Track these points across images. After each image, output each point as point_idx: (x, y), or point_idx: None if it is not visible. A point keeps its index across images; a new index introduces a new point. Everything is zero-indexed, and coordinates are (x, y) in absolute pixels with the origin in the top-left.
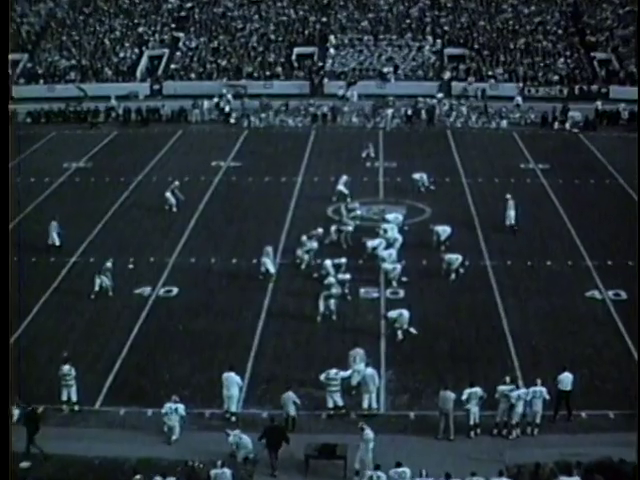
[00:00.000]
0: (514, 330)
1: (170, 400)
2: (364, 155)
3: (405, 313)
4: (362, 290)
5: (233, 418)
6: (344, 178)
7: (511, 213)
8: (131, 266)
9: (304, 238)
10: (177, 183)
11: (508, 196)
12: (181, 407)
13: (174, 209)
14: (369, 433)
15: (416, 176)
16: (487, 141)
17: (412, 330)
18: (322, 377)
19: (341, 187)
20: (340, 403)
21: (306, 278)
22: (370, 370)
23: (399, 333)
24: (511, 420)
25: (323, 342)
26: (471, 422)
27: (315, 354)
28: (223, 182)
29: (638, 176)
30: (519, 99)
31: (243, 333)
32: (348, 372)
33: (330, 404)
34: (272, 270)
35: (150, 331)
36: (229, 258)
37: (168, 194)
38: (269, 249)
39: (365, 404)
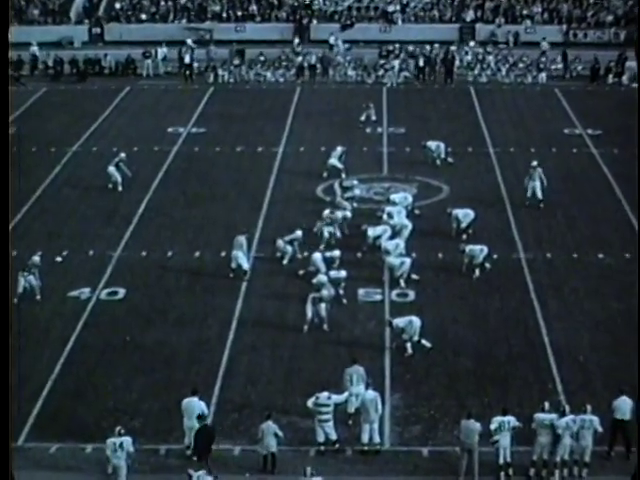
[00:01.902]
0: (557, 342)
1: (114, 433)
2: (363, 118)
3: (415, 321)
4: (361, 291)
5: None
6: (338, 150)
7: (535, 184)
8: (59, 259)
9: (326, 213)
10: (123, 155)
11: (534, 163)
12: (128, 441)
13: (119, 188)
14: None
15: (430, 145)
16: (521, 100)
17: (425, 343)
18: (310, 403)
19: (334, 161)
20: (333, 436)
21: (289, 276)
22: (371, 393)
23: (408, 346)
24: (553, 457)
25: (311, 358)
26: (501, 460)
27: (301, 373)
28: (183, 153)
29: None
30: (545, 44)
31: (209, 347)
32: (343, 396)
33: (320, 437)
34: (245, 266)
35: (89, 344)
36: (190, 251)
37: (111, 169)
38: (242, 239)
39: (365, 437)
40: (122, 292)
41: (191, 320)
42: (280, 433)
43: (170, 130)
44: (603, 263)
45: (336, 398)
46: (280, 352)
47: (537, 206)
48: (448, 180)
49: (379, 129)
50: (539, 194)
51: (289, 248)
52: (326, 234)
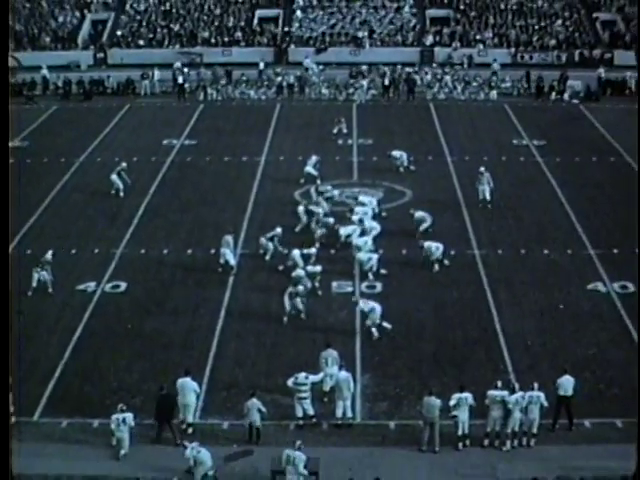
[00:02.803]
0: (507, 328)
1: (117, 410)
2: (335, 131)
3: (377, 308)
4: (334, 284)
5: (190, 429)
6: (313, 159)
7: (484, 187)
8: (50, 253)
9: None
10: (124, 164)
11: (482, 169)
12: (129, 417)
13: (121, 194)
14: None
15: (395, 154)
16: (475, 114)
17: (385, 324)
18: (290, 382)
19: (309, 169)
20: (310, 412)
21: (271, 270)
22: (344, 374)
23: (374, 331)
24: (505, 429)
25: (291, 343)
26: (459, 432)
27: (282, 356)
28: (176, 163)
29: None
30: (496, 65)
31: (200, 334)
32: (319, 376)
33: (299, 413)
34: (232, 262)
35: (95, 332)
36: (184, 248)
37: (114, 177)
38: (229, 238)
39: (339, 412)
40: (124, 285)
41: (185, 310)
42: (263, 409)
43: (165, 142)
44: (548, 258)
45: (313, 378)
46: (263, 338)
47: (486, 206)
48: (411, 185)
49: (349, 141)
50: (487, 196)
51: (270, 245)
52: (319, 233)
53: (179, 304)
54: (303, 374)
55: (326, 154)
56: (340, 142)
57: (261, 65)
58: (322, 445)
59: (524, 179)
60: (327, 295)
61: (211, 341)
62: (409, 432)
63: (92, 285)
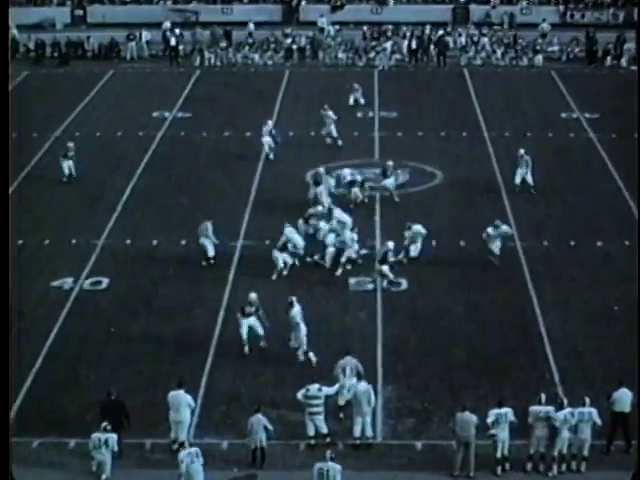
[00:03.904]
0: (553, 332)
1: (100, 429)
2: (351, 102)
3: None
4: (352, 280)
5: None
6: (269, 124)
7: (524, 171)
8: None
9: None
10: (71, 144)
11: (522, 151)
12: (113, 439)
13: (69, 178)
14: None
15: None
16: (517, 83)
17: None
18: (300, 395)
19: (267, 139)
20: (324, 430)
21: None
22: (363, 386)
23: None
24: (551, 451)
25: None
26: (498, 454)
27: (290, 365)
28: (168, 138)
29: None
30: (545, 26)
31: (195, 338)
32: (334, 388)
33: (311, 431)
34: (211, 252)
35: (72, 335)
36: (176, 239)
37: (63, 160)
38: (208, 225)
39: (357, 431)
40: (106, 281)
41: (177, 310)
42: (270, 427)
43: (155, 114)
44: (601, 251)
45: (327, 390)
46: (269, 344)
47: (529, 191)
48: (442, 166)
49: (370, 113)
50: (530, 180)
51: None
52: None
53: (171, 303)
54: (316, 386)
55: (343, 128)
56: (359, 115)
57: (250, 26)
58: None
59: (574, 158)
60: (344, 293)
61: (208, 347)
62: (439, 454)
63: (69, 281)
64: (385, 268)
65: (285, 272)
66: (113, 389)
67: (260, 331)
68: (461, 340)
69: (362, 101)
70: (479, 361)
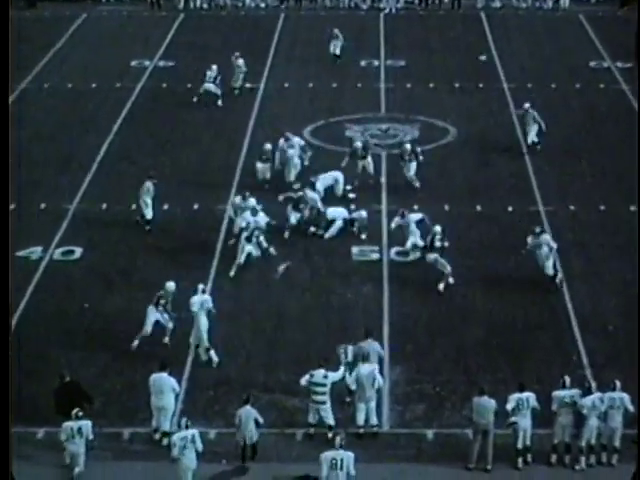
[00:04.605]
0: (581, 308)
1: (71, 416)
2: (333, 50)
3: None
4: (355, 249)
5: (165, 440)
6: (213, 69)
7: (531, 128)
8: None
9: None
10: None
11: (527, 105)
12: (87, 426)
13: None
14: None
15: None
16: (540, 28)
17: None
18: (304, 381)
19: (209, 85)
20: (330, 421)
21: (272, 231)
22: (367, 368)
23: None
24: (578, 441)
25: (297, 327)
26: (519, 444)
27: (286, 345)
28: (148, 90)
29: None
30: None
31: (179, 314)
32: (340, 372)
33: (312, 419)
34: (148, 215)
35: (41, 312)
36: (157, 203)
37: None
38: (149, 185)
39: (361, 418)
40: (79, 251)
41: (159, 283)
42: (261, 419)
43: (134, 64)
44: (634, 216)
45: (333, 376)
46: (262, 321)
47: (535, 149)
48: (456, 120)
49: (376, 62)
50: (535, 138)
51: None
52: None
53: (150, 275)
54: (321, 371)
55: (345, 80)
56: (363, 64)
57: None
58: None
59: (604, 113)
60: (346, 264)
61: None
62: (452, 444)
63: (37, 251)
64: (435, 257)
65: (286, 234)
66: (65, 370)
67: (169, 325)
68: (477, 317)
69: (338, 51)
70: (498, 340)
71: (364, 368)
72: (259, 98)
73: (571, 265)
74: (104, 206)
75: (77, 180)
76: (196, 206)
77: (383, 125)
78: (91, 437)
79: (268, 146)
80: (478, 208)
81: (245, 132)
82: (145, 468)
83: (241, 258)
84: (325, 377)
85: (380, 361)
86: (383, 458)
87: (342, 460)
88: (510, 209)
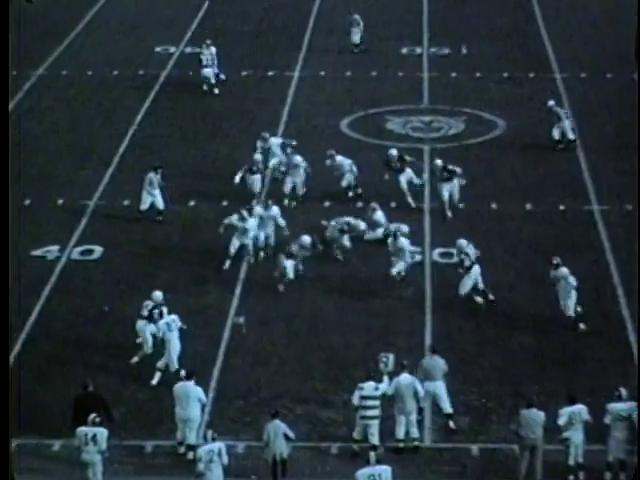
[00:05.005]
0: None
1: (87, 422)
2: (356, 40)
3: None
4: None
5: (190, 454)
6: (213, 48)
7: (564, 123)
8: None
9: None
10: None
11: (551, 103)
12: (102, 434)
13: None
14: None
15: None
16: (596, 12)
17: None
18: (356, 399)
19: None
20: (374, 440)
21: (304, 230)
22: (408, 377)
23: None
24: (634, 458)
25: (334, 331)
26: (571, 461)
27: (321, 350)
28: (174, 78)
29: None
30: None
31: (207, 318)
32: (386, 382)
33: (357, 435)
34: (143, 206)
35: (57, 316)
36: (184, 199)
37: None
38: (151, 176)
39: (400, 432)
40: (99, 251)
41: (185, 285)
42: (291, 434)
43: (158, 50)
44: None
45: (383, 387)
46: (296, 324)
47: (571, 144)
48: (504, 113)
49: (418, 49)
50: (570, 135)
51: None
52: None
53: (177, 276)
54: (371, 384)
55: (385, 69)
56: (404, 51)
57: None
58: None
59: None
60: (386, 265)
61: (222, 328)
62: (499, 460)
63: (54, 250)
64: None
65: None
66: (89, 379)
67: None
68: (526, 323)
69: (357, 39)
70: (547, 349)
71: (404, 378)
72: (293, 88)
73: (626, 268)
74: (126, 202)
75: (97, 174)
76: (225, 203)
77: (426, 117)
78: (104, 447)
79: (258, 157)
80: (528, 207)
81: (278, 124)
82: None
83: (291, 274)
84: (376, 389)
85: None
86: (424, 475)
87: (380, 476)
88: (562, 208)
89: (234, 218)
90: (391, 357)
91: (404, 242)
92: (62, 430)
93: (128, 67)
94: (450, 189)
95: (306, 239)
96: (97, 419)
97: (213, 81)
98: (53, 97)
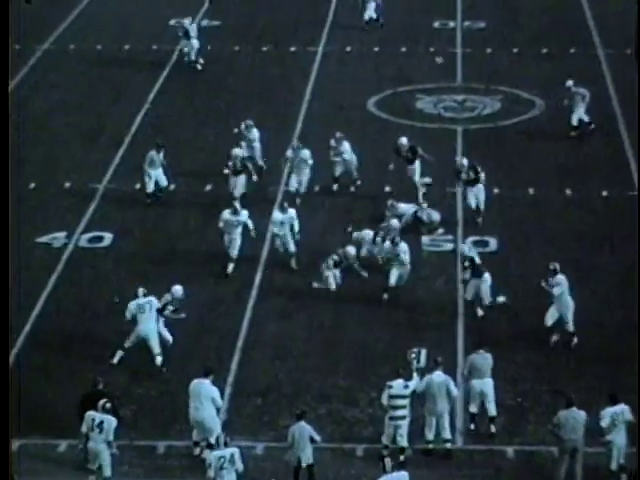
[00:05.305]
0: None
1: (98, 407)
2: (366, 18)
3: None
4: (425, 238)
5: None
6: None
7: (579, 108)
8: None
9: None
10: None
11: (570, 83)
12: (110, 422)
13: None
14: None
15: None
16: None
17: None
18: (385, 399)
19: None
20: (403, 442)
21: (328, 213)
22: (440, 376)
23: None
24: None
25: (359, 325)
26: (613, 465)
27: (345, 345)
28: (190, 54)
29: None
30: None
31: (224, 310)
32: (416, 380)
33: (386, 440)
34: (149, 189)
35: (64, 307)
36: (199, 183)
37: None
38: (152, 154)
39: (430, 433)
40: (109, 238)
41: (200, 275)
42: (317, 437)
43: (173, 23)
44: None
45: (413, 385)
46: (318, 317)
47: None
48: (543, 91)
49: (451, 23)
50: (585, 117)
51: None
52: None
53: (192, 265)
54: (400, 382)
55: (415, 44)
56: (436, 25)
57: None
58: None
59: None
60: (415, 256)
61: (240, 321)
62: (536, 463)
63: (61, 237)
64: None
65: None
66: (100, 377)
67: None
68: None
69: (374, 15)
70: (586, 345)
71: (436, 376)
72: (316, 64)
73: None
74: (137, 186)
75: (106, 156)
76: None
77: (459, 96)
78: (111, 438)
79: (238, 151)
80: (568, 192)
81: (300, 103)
82: None
83: (332, 285)
84: (406, 387)
85: (435, 361)
86: (456, 478)
87: None
88: (604, 194)
89: (227, 213)
90: (423, 352)
91: (404, 247)
92: (68, 430)
93: (140, 42)
94: (476, 193)
95: (351, 250)
96: (107, 404)
97: (194, 57)
98: (60, 73)
